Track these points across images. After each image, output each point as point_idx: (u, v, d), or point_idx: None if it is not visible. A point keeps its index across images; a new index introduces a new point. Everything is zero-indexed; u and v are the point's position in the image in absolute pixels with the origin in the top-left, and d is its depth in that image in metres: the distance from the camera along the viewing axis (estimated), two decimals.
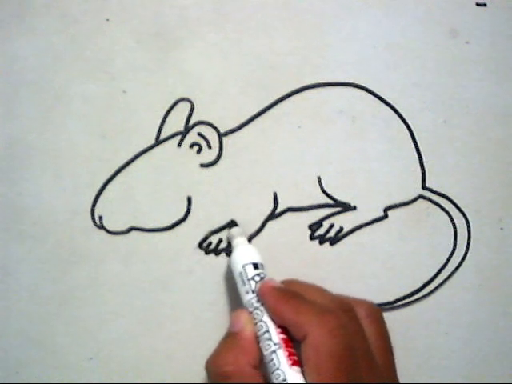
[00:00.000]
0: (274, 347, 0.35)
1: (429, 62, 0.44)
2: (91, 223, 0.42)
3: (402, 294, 0.44)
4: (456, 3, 0.44)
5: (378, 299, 0.44)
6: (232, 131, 0.43)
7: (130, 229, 0.43)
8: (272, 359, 0.35)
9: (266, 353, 0.36)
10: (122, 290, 0.43)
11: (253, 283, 0.38)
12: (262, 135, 0.43)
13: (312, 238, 0.44)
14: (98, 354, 0.43)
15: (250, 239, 0.43)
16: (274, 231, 0.43)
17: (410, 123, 0.44)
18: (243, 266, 0.39)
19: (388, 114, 0.44)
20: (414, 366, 0.44)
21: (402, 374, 0.44)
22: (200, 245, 0.43)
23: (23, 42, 0.42)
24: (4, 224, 0.42)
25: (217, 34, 0.43)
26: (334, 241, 0.44)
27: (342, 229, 0.44)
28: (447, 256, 0.44)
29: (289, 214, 0.43)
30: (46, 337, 0.42)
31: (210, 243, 0.43)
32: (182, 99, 0.43)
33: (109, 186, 0.43)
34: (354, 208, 0.44)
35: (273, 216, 0.43)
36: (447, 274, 0.44)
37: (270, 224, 0.43)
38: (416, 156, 0.44)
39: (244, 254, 0.40)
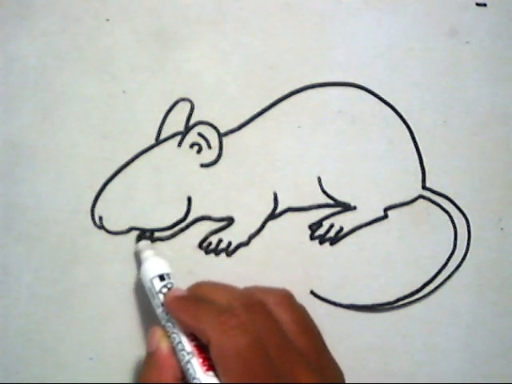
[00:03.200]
0: (187, 357, 0.36)
1: (429, 62, 0.44)
2: (91, 223, 0.42)
3: (401, 294, 0.44)
4: (456, 3, 0.44)
5: (378, 299, 0.44)
6: (232, 131, 0.43)
7: (130, 229, 0.43)
8: (188, 369, 0.35)
9: (182, 364, 0.36)
10: (122, 290, 0.43)
11: (161, 296, 0.39)
12: (262, 135, 0.43)
13: (312, 238, 0.44)
14: (98, 354, 0.43)
15: (249, 239, 0.43)
16: (274, 231, 0.43)
17: (410, 123, 0.44)
18: (150, 280, 0.39)
19: (388, 114, 0.44)
20: (414, 366, 0.44)
21: (402, 373, 0.44)
22: (200, 245, 0.43)
23: (23, 42, 0.42)
24: (4, 224, 0.42)
25: (217, 34, 0.43)
26: (334, 241, 0.44)
27: (342, 229, 0.44)
28: (447, 256, 0.44)
29: (289, 214, 0.43)
30: (46, 337, 0.42)
31: (210, 243, 0.43)
32: (182, 99, 0.43)
33: (109, 186, 0.43)
34: (354, 208, 0.44)
35: (273, 216, 0.43)
36: (447, 274, 0.44)
37: (270, 224, 0.43)
38: (416, 156, 0.44)
39: (149, 268, 0.40)
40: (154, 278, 0.39)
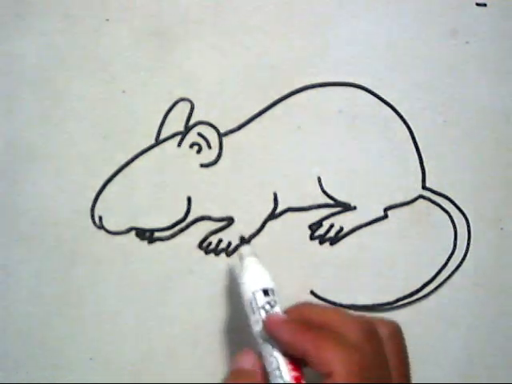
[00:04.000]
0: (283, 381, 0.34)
1: (429, 61, 0.44)
2: (91, 223, 0.42)
3: (401, 294, 0.44)
4: (456, 3, 0.44)
5: (378, 299, 0.44)
6: (232, 131, 0.43)
7: (130, 229, 0.43)
8: None
9: None
10: (122, 290, 0.43)
11: (263, 312, 0.35)
12: (262, 135, 0.43)
13: (312, 238, 0.44)
14: (97, 354, 0.43)
15: (249, 239, 0.43)
16: (274, 231, 0.43)
17: (410, 123, 0.44)
18: (253, 293, 0.36)
19: (388, 113, 0.44)
20: (415, 366, 0.44)
21: None
22: (200, 245, 0.43)
23: (23, 41, 0.42)
24: (4, 224, 0.42)
25: (217, 34, 0.43)
26: (334, 241, 0.44)
27: (342, 229, 0.44)
28: (447, 256, 0.44)
29: (289, 214, 0.43)
30: (46, 337, 0.42)
31: (210, 243, 0.43)
32: (182, 99, 0.43)
33: (109, 186, 0.43)
34: (354, 208, 0.44)
35: (273, 216, 0.43)
36: (447, 274, 0.44)
37: (270, 224, 0.43)
38: (416, 156, 0.44)
39: (254, 279, 0.37)
40: (257, 291, 0.36)
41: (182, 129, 0.43)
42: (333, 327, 0.35)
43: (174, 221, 0.43)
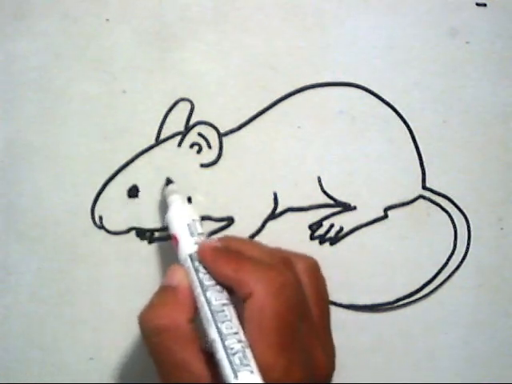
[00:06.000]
0: (225, 301, 0.35)
1: (429, 61, 0.44)
2: (91, 223, 0.42)
3: (401, 294, 0.44)
4: (456, 3, 0.44)
5: (378, 299, 0.44)
6: (232, 131, 0.43)
7: (130, 229, 0.43)
8: (223, 310, 0.34)
9: (215, 302, 0.34)
10: (122, 290, 0.43)
11: (202, 238, 0.38)
12: (262, 135, 0.43)
13: (312, 238, 0.44)
14: (98, 354, 0.43)
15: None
16: (274, 231, 0.43)
17: (410, 123, 0.44)
18: (193, 220, 0.38)
19: (388, 114, 0.44)
20: (414, 366, 0.44)
21: (402, 373, 0.44)
22: None
23: (23, 41, 0.42)
24: (4, 224, 0.42)
25: (217, 34, 0.43)
26: (333, 241, 0.44)
27: (342, 229, 0.44)
28: (447, 256, 0.44)
29: (289, 214, 0.43)
30: (46, 337, 0.42)
31: None
32: (182, 99, 0.43)
33: (109, 186, 0.43)
34: (354, 208, 0.44)
35: (273, 216, 0.43)
36: (447, 274, 0.44)
37: (270, 224, 0.43)
38: (416, 156, 0.44)
39: (191, 210, 0.39)
40: (196, 220, 0.39)
41: (182, 129, 0.43)
42: (252, 255, 0.36)
43: None
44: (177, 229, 0.38)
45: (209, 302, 0.35)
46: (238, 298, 0.35)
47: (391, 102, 0.44)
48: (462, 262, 0.44)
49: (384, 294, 0.44)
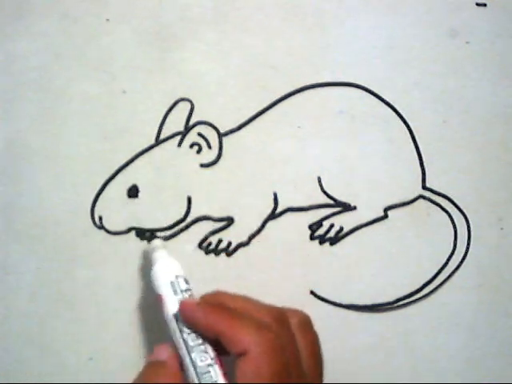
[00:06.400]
0: (210, 361, 0.35)
1: (429, 61, 0.44)
2: (91, 223, 0.42)
3: (401, 294, 0.44)
4: (456, 3, 0.44)
5: (378, 299, 0.44)
6: (232, 131, 0.43)
7: (130, 229, 0.43)
8: (209, 371, 0.35)
9: (201, 364, 0.35)
10: (122, 290, 0.43)
11: (186, 295, 0.38)
12: (262, 135, 0.43)
13: (312, 238, 0.44)
14: (98, 354, 0.43)
15: (249, 239, 0.43)
16: (274, 231, 0.43)
17: (410, 123, 0.44)
18: (177, 277, 0.38)
19: (388, 113, 0.44)
20: (414, 366, 0.44)
21: (402, 373, 0.44)
22: (200, 245, 0.43)
23: (23, 42, 0.42)
24: (4, 224, 0.42)
25: (217, 34, 0.43)
26: (333, 241, 0.44)
27: (342, 229, 0.44)
28: (447, 256, 0.44)
29: (289, 214, 0.43)
30: (45, 337, 0.42)
31: (210, 243, 0.43)
32: (182, 99, 0.43)
33: (109, 186, 0.43)
34: (354, 208, 0.44)
35: (273, 216, 0.43)
36: (447, 274, 0.44)
37: (270, 224, 0.43)
38: (416, 156, 0.44)
39: (176, 266, 0.39)
40: (180, 276, 0.38)
41: (182, 129, 0.43)
42: (245, 311, 0.36)
43: (174, 221, 0.43)
44: (160, 288, 0.38)
45: (194, 364, 0.35)
46: (230, 353, 0.35)
47: (391, 102, 0.44)
48: (462, 261, 0.44)
49: (384, 294, 0.44)
